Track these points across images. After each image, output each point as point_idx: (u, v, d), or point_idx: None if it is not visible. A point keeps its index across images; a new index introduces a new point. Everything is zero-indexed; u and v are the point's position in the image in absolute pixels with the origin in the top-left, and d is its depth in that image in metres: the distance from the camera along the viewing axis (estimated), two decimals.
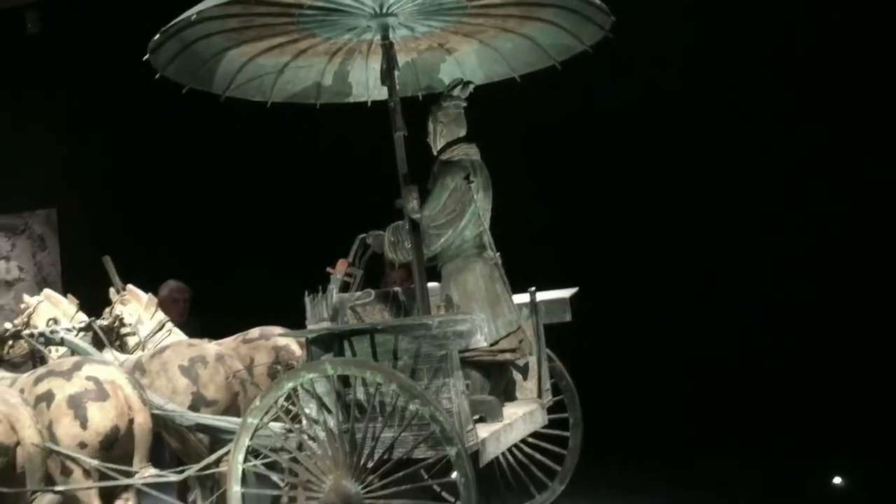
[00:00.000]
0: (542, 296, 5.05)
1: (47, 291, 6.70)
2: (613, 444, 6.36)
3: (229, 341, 6.44)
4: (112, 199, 9.66)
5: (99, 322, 6.30)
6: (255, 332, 6.71)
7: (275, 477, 4.31)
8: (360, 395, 4.01)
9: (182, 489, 6.53)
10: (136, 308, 6.70)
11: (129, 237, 8.82)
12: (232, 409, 5.77)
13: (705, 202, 7.19)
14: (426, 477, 4.28)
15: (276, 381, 4.14)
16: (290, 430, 4.13)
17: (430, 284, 5.04)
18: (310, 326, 4.27)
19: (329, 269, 4.57)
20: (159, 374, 5.70)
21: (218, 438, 5.55)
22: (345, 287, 4.57)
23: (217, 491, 5.83)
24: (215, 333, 6.38)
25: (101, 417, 4.79)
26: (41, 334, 5.66)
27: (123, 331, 6.47)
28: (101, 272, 7.04)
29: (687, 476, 6.36)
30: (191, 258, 8.76)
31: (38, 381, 4.83)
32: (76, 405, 4.75)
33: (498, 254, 4.88)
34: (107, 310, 6.80)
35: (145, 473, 4.70)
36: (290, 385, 4.04)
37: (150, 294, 6.91)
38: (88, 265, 7.40)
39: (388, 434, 3.92)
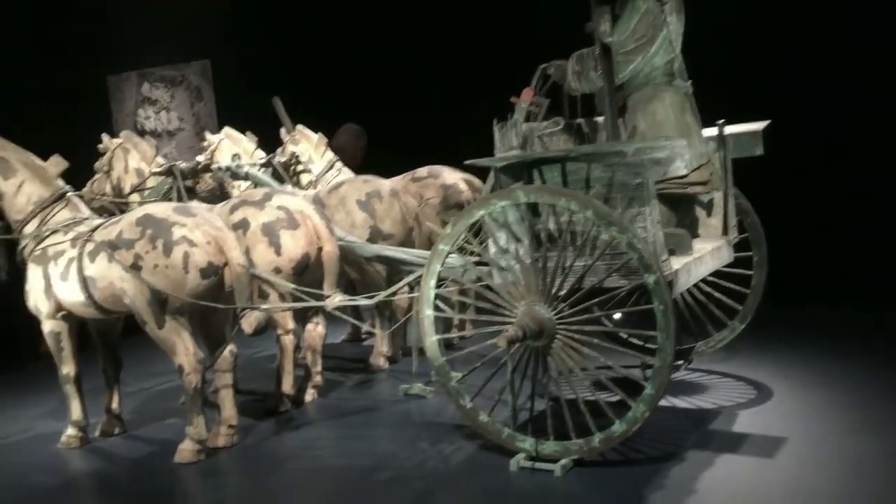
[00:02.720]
0: (731, 129, 4.78)
1: (227, 129, 6.96)
2: (798, 285, 6.15)
3: (398, 180, 6.54)
4: (264, 49, 9.75)
5: (277, 159, 6.52)
6: (423, 170, 6.78)
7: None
8: (551, 224, 3.98)
9: (355, 317, 6.89)
10: (306, 147, 6.86)
11: (281, 85, 8.94)
12: (406, 243, 5.92)
13: None
14: (617, 307, 4.26)
15: (466, 209, 4.15)
16: (480, 259, 4.18)
17: (600, 118, 4.85)
18: (498, 155, 4.22)
19: (513, 99, 4.45)
20: (338, 208, 5.90)
21: (397, 269, 5.75)
22: (529, 117, 4.45)
23: (392, 319, 6.12)
24: (383, 173, 6.46)
25: (294, 245, 5.01)
26: (227, 168, 5.90)
27: (298, 168, 6.68)
28: (255, 120, 7.21)
29: (873, 322, 6.09)
30: (340, 101, 8.82)
31: (232, 209, 5.08)
32: (270, 232, 4.98)
33: (689, 82, 4.61)
34: (279, 149, 7.02)
35: (336, 298, 4.92)
36: (481, 213, 4.04)
37: (319, 134, 7.06)
38: (244, 114, 7.58)
39: (578, 263, 3.90)
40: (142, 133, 11.09)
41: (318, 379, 5.55)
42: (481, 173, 6.86)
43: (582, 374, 3.95)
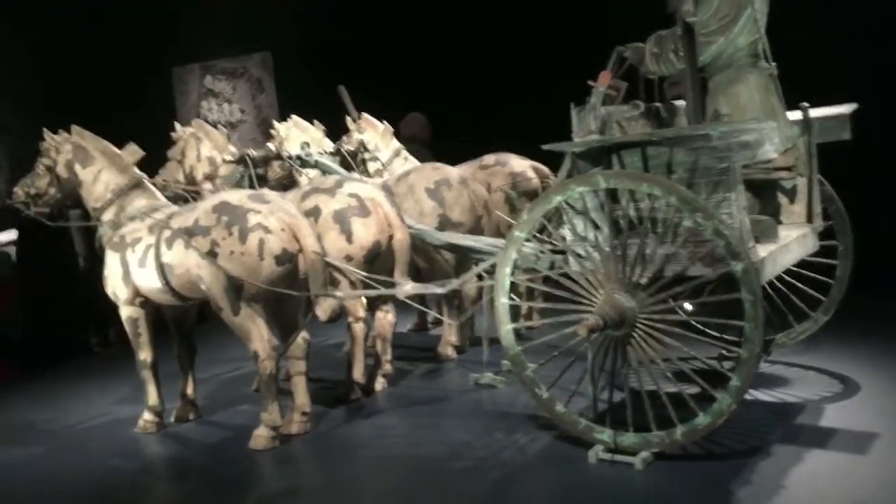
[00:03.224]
0: (817, 112, 4.59)
1: (295, 118, 6.97)
2: (884, 275, 5.91)
3: (465, 168, 6.47)
4: (324, 39, 9.77)
5: (345, 147, 6.51)
6: (490, 158, 6.70)
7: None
8: (630, 210, 3.88)
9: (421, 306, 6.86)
10: (372, 136, 6.84)
11: (341, 75, 8.96)
12: (475, 231, 5.85)
13: None
14: (700, 294, 4.13)
15: (543, 195, 4.06)
16: (555, 247, 4.10)
17: (682, 102, 4.71)
18: (575, 139, 4.12)
19: (590, 82, 4.34)
20: (406, 196, 5.86)
21: (466, 258, 5.69)
22: (606, 101, 4.34)
23: (461, 308, 6.07)
24: (448, 162, 6.40)
25: (365, 232, 5.00)
26: (297, 157, 5.91)
27: (366, 156, 6.66)
28: (316, 111, 7.21)
29: None
30: (403, 89, 8.78)
31: (304, 197, 5.08)
32: (341, 220, 4.97)
33: (774, 64, 4.44)
34: (344, 137, 7.01)
35: (407, 286, 4.89)
36: (559, 198, 3.95)
37: (385, 122, 7.03)
38: (305, 105, 7.61)
39: (660, 250, 3.79)
40: None
41: (387, 367, 5.53)
42: (549, 160, 6.83)
43: (663, 365, 3.84)
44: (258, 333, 4.41)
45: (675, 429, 3.75)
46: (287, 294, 4.42)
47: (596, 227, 3.97)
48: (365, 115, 7.16)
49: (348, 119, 7.21)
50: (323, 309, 4.39)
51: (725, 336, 4.79)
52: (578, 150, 4.03)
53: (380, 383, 5.44)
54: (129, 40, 10.38)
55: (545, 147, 4.10)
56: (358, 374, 5.24)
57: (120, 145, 5.10)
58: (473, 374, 5.41)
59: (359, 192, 5.09)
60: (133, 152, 5.05)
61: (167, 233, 4.57)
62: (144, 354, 4.94)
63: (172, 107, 11.53)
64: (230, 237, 4.33)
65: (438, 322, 7.37)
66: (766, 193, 4.50)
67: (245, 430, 4.80)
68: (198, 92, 11.64)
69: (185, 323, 5.14)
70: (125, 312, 4.89)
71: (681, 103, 4.66)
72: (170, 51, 10.97)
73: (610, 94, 4.34)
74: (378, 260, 5.05)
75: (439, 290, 4.76)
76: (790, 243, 4.22)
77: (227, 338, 4.99)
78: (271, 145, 6.19)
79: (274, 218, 4.40)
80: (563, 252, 4.14)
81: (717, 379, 3.80)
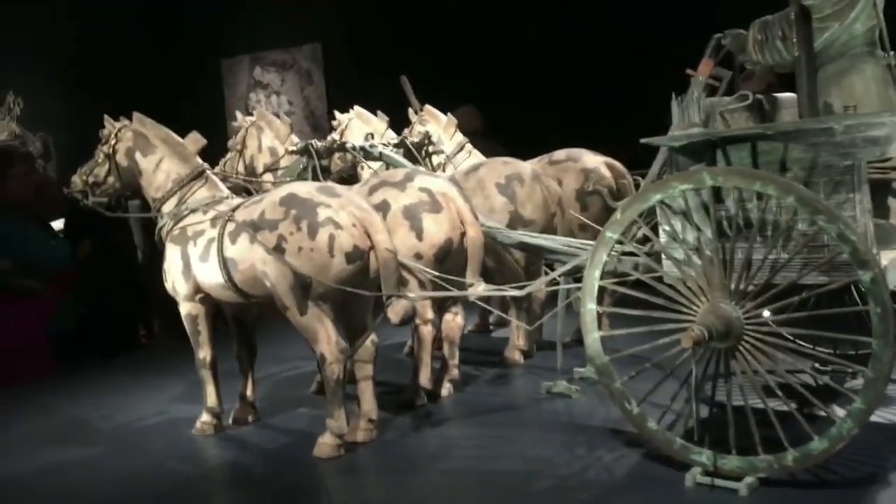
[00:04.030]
0: None
1: (358, 109, 6.72)
2: None
3: (534, 163, 6.14)
4: (374, 31, 9.53)
5: (409, 139, 6.24)
6: (561, 153, 6.35)
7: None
8: (736, 211, 3.53)
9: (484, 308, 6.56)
10: (434, 128, 6.56)
11: (392, 67, 8.73)
12: (548, 229, 5.52)
13: None
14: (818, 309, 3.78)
15: (640, 193, 3.73)
16: (649, 249, 3.78)
17: (784, 95, 4.34)
18: (674, 133, 3.78)
19: (689, 71, 3.99)
20: (475, 192, 5.53)
21: (538, 258, 5.38)
22: (710, 92, 3.99)
23: (530, 311, 5.75)
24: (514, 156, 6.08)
25: (436, 229, 4.70)
26: (361, 148, 5.64)
27: (430, 149, 6.38)
28: (366, 103, 6.94)
29: None
30: (456, 81, 8.49)
31: (372, 191, 4.80)
32: (411, 216, 4.69)
33: (892, 53, 4.04)
34: (406, 129, 6.74)
35: (479, 287, 4.59)
36: (659, 197, 3.61)
37: (449, 114, 6.75)
38: (353, 98, 7.37)
39: (772, 256, 3.43)
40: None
41: (454, 372, 5.24)
42: (624, 156, 6.51)
43: (772, 381, 3.48)
44: (325, 335, 4.14)
45: (786, 453, 3.39)
46: (357, 294, 4.14)
47: (697, 228, 3.63)
48: (428, 106, 6.89)
49: (410, 111, 6.98)
50: (395, 311, 4.10)
51: (817, 350, 4.41)
52: (679, 145, 3.70)
53: (446, 389, 5.15)
54: (179, 31, 10.28)
55: (643, 141, 3.77)
56: (424, 378, 4.96)
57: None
58: (545, 382, 5.09)
59: (430, 186, 4.80)
60: (196, 141, 4.82)
61: (231, 226, 4.33)
62: (204, 353, 4.71)
63: (221, 98, 11.42)
64: (298, 232, 4.07)
65: (500, 323, 7.10)
66: (880, 194, 4.11)
67: (306, 435, 4.55)
68: (247, 83, 11.55)
69: (246, 321, 4.89)
70: (185, 308, 4.66)
71: (784, 96, 4.30)
72: (219, 42, 10.83)
73: (712, 83, 3.99)
74: (449, 258, 4.75)
75: (517, 293, 4.44)
76: None
77: (283, 335, 4.76)
78: (335, 135, 5.92)
79: (345, 212, 4.12)
80: (651, 254, 3.82)
81: (833, 396, 3.44)
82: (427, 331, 4.89)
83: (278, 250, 4.09)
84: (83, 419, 5.44)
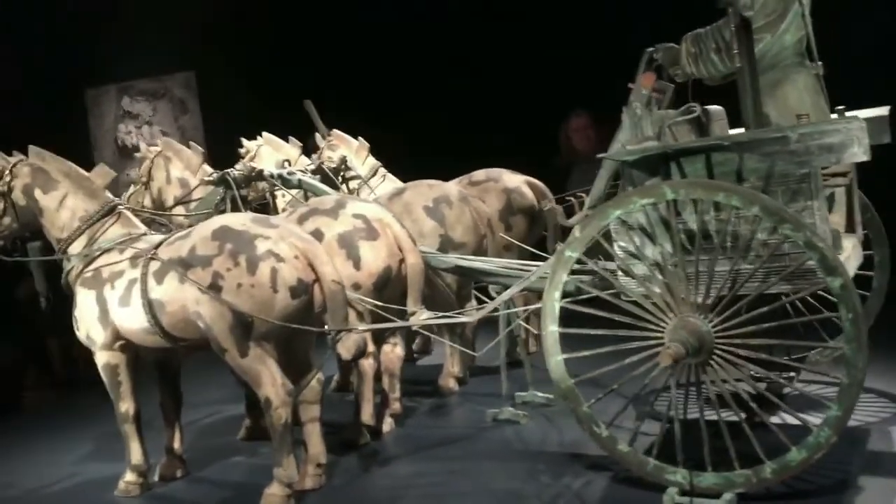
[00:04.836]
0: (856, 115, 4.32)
1: (267, 135, 6.41)
2: None
3: (452, 185, 6.00)
4: (250, 59, 9.22)
5: (325, 165, 5.97)
6: (480, 174, 6.23)
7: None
8: (692, 224, 3.50)
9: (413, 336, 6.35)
10: (344, 153, 6.34)
11: (265, 97, 8.44)
12: (478, 251, 5.39)
13: None
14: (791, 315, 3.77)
15: (598, 210, 3.64)
16: (612, 267, 3.69)
17: (713, 108, 4.39)
18: (628, 147, 3.72)
19: (631, 85, 3.96)
20: (402, 216, 5.28)
21: (469, 283, 5.24)
22: (650, 105, 3.95)
23: (464, 335, 5.59)
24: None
25: (374, 257, 4.48)
26: (279, 175, 5.33)
27: (348, 174, 6.13)
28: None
29: None
30: (349, 104, 8.30)
31: (302, 220, 4.53)
32: (347, 244, 4.45)
33: (820, 63, 4.15)
34: (314, 155, 6.49)
35: (422, 315, 4.39)
36: (618, 213, 3.54)
37: (360, 139, 6.54)
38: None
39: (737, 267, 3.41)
40: (122, 149, 10.57)
41: (396, 406, 5.00)
42: (543, 175, 6.47)
43: (745, 394, 3.44)
44: (270, 377, 3.83)
45: (763, 466, 3.35)
46: (301, 330, 3.85)
47: (655, 244, 3.57)
48: (336, 130, 6.67)
49: (317, 136, 6.73)
50: (346, 347, 3.83)
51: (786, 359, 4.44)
52: (633, 159, 3.63)
53: (388, 424, 4.90)
54: (36, 60, 9.48)
55: (600, 156, 3.70)
56: (367, 415, 4.70)
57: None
58: (490, 410, 4.93)
59: (364, 212, 4.57)
60: (103, 174, 4.40)
61: (155, 265, 3.95)
62: (126, 405, 4.27)
63: (86, 131, 10.72)
64: (237, 267, 3.75)
65: (423, 351, 6.90)
66: None
67: (244, 487, 4.22)
68: (114, 114, 10.93)
69: (170, 366, 4.49)
70: (102, 358, 4.21)
71: (713, 108, 4.34)
72: (82, 71, 10.13)
73: (654, 96, 3.96)
74: (389, 286, 4.53)
75: (468, 319, 4.26)
76: (850, 255, 3.90)
77: (197, 377, 4.39)
78: (252, 163, 5.58)
79: (285, 244, 3.83)
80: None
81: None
82: (369, 365, 4.64)
83: (214, 288, 3.75)
84: None
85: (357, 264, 4.44)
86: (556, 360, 3.72)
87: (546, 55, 8.00)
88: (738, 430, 3.36)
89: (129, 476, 4.35)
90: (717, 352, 3.41)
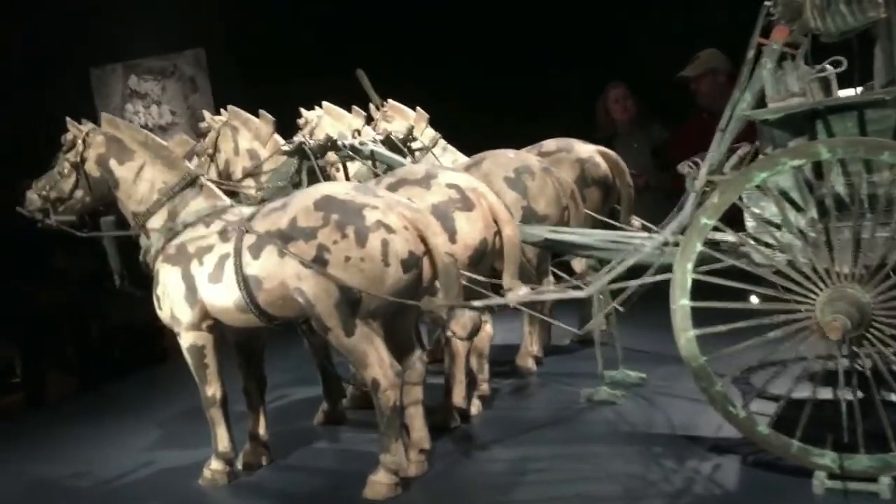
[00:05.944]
0: None
1: (327, 105, 6.09)
2: None
3: (531, 155, 5.72)
4: (262, 35, 8.86)
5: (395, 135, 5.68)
6: (550, 143, 5.96)
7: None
8: (840, 189, 3.25)
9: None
10: (401, 124, 6.04)
11: (278, 74, 8.10)
12: (561, 224, 5.11)
13: None
14: None
15: (742, 171, 3.37)
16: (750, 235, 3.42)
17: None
18: (770, 105, 3.43)
19: (762, 40, 3.67)
20: None
21: (569, 254, 4.98)
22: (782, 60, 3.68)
23: (543, 312, 5.32)
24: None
25: (470, 229, 4.19)
26: (351, 146, 5.05)
27: (414, 145, 5.85)
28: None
29: None
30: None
31: (391, 190, 4.23)
32: (442, 216, 4.15)
33: None
34: (369, 126, 6.19)
35: (520, 291, 4.11)
36: (764, 175, 3.26)
37: (418, 109, 6.25)
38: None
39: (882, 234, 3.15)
40: None
41: (484, 387, 4.75)
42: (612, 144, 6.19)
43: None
44: (377, 357, 3.56)
45: None
46: (407, 307, 3.59)
47: (798, 209, 3.31)
48: (390, 101, 6.37)
49: (371, 106, 6.43)
50: (461, 324, 3.58)
51: None
52: (776, 118, 3.36)
53: (475, 406, 4.65)
54: (40, 38, 9.11)
55: (744, 114, 3.42)
56: (458, 397, 4.45)
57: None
58: (585, 390, 4.67)
59: (458, 181, 4.29)
60: (182, 143, 4.15)
61: (250, 238, 3.67)
62: (213, 389, 4.01)
63: (93, 111, 10.38)
64: (344, 239, 3.47)
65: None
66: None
67: (335, 475, 3.97)
68: (121, 94, 10.62)
69: (256, 348, 4.23)
70: (188, 339, 3.94)
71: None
72: (87, 50, 9.78)
73: (788, 51, 3.68)
74: (485, 259, 4.26)
75: (579, 294, 3.98)
76: None
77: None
78: (302, 135, 5.28)
79: (394, 214, 3.56)
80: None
81: None
82: (461, 344, 4.37)
83: (319, 262, 3.48)
84: (52, 479, 4.57)
85: (453, 237, 4.14)
86: (687, 336, 3.45)
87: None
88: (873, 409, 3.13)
89: (216, 464, 4.10)
90: (875, 324, 3.16)
